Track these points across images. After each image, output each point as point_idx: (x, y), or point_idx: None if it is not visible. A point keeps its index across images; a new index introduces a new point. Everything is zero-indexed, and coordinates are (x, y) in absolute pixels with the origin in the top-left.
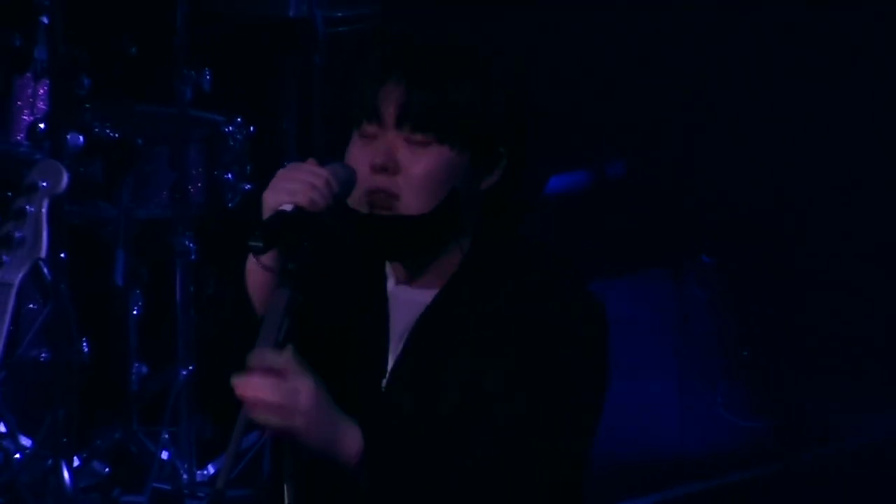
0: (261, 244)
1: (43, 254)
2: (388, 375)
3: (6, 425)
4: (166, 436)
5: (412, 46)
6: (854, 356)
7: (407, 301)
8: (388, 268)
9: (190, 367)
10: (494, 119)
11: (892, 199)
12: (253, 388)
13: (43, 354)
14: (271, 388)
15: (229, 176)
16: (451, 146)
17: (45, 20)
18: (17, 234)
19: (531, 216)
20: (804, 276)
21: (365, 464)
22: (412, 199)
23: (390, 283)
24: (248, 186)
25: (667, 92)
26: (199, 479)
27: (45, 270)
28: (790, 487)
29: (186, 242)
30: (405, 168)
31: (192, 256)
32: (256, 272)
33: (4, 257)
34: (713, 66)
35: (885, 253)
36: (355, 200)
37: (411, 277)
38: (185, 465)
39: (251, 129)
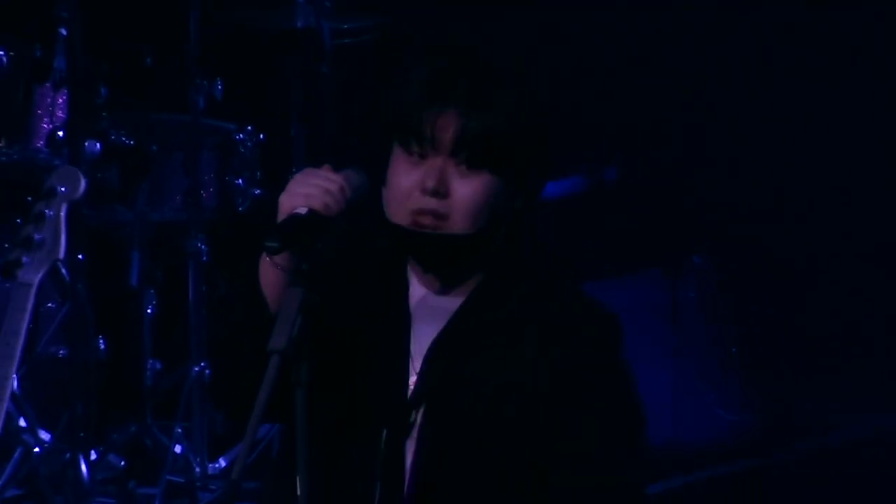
0: (276, 244)
1: (61, 255)
2: (419, 376)
3: (26, 420)
4: (179, 430)
5: (464, 69)
6: (841, 355)
7: (432, 307)
8: (412, 275)
9: (202, 364)
10: (536, 157)
11: (885, 199)
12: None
13: (61, 351)
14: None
15: (240, 181)
16: (499, 175)
17: (64, 32)
18: (36, 237)
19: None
20: (794, 277)
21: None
22: (460, 220)
23: (415, 291)
24: (257, 191)
25: (661, 97)
26: (210, 471)
27: (64, 271)
28: (776, 480)
29: (199, 245)
30: (454, 192)
31: (205, 258)
32: (270, 272)
33: (24, 258)
34: (707, 71)
35: (875, 253)
36: (399, 216)
37: (440, 287)
38: (198, 459)
39: (261, 136)
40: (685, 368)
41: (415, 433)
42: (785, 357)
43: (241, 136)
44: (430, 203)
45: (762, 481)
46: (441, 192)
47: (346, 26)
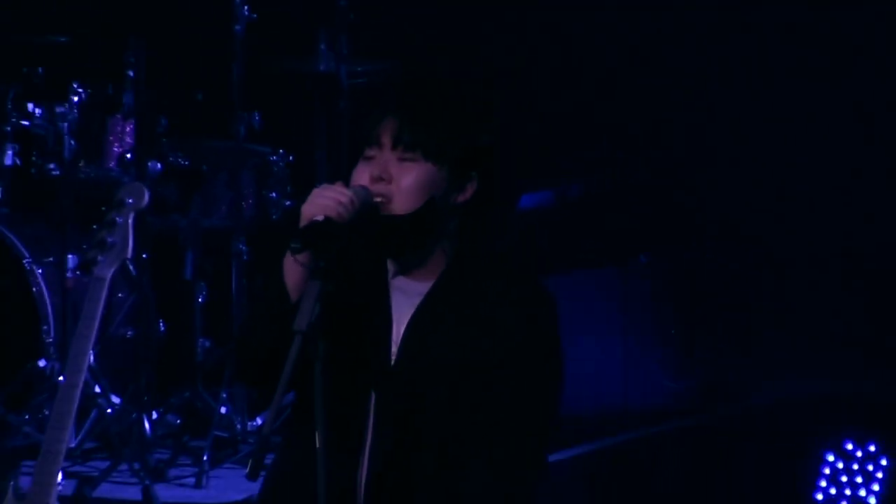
0: (299, 245)
1: (129, 254)
2: (399, 344)
3: (101, 387)
4: (224, 395)
5: (405, 92)
6: (763, 332)
7: (405, 289)
8: (389, 264)
9: None
10: (466, 146)
11: (799, 180)
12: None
13: (129, 332)
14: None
15: (274, 195)
16: (433, 162)
17: (132, 73)
18: (109, 239)
19: (509, 225)
20: (723, 270)
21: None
22: (401, 201)
23: (393, 278)
24: (288, 203)
25: (630, 115)
26: (249, 428)
27: (131, 267)
28: (709, 436)
29: (241, 246)
30: (396, 178)
31: (245, 257)
32: (293, 268)
33: (99, 257)
34: (691, 82)
35: (791, 251)
36: None
37: (406, 270)
38: (239, 418)
39: (291, 158)
40: (633, 346)
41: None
42: (715, 335)
43: (275, 157)
44: (378, 187)
45: (698, 438)
46: (384, 177)
47: (359, 69)
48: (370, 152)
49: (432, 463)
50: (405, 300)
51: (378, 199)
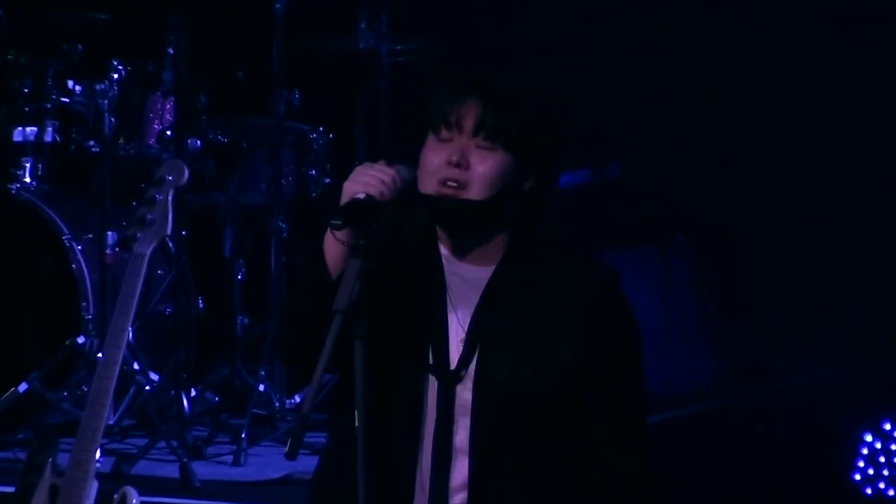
0: (340, 222)
1: (168, 231)
2: (467, 335)
3: (139, 364)
4: (263, 373)
5: (486, 76)
6: (801, 314)
7: (463, 274)
8: (442, 248)
9: None
10: (541, 136)
11: (842, 174)
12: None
13: (168, 309)
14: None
15: (313, 172)
16: (511, 153)
17: (172, 51)
18: (148, 216)
19: (550, 207)
20: (761, 251)
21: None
22: (477, 189)
23: (448, 263)
24: (327, 180)
25: (655, 98)
26: (287, 406)
27: (170, 244)
28: (747, 417)
29: (280, 224)
30: (474, 166)
31: (284, 234)
32: (333, 246)
33: (139, 234)
34: (706, 80)
35: (828, 232)
36: (429, 187)
37: (463, 255)
38: (278, 396)
39: (330, 136)
40: (671, 326)
41: (468, 383)
42: (754, 315)
43: (315, 135)
44: (453, 173)
45: (735, 418)
46: (462, 164)
47: (399, 47)
48: (445, 134)
49: (511, 461)
50: (463, 285)
51: (452, 186)
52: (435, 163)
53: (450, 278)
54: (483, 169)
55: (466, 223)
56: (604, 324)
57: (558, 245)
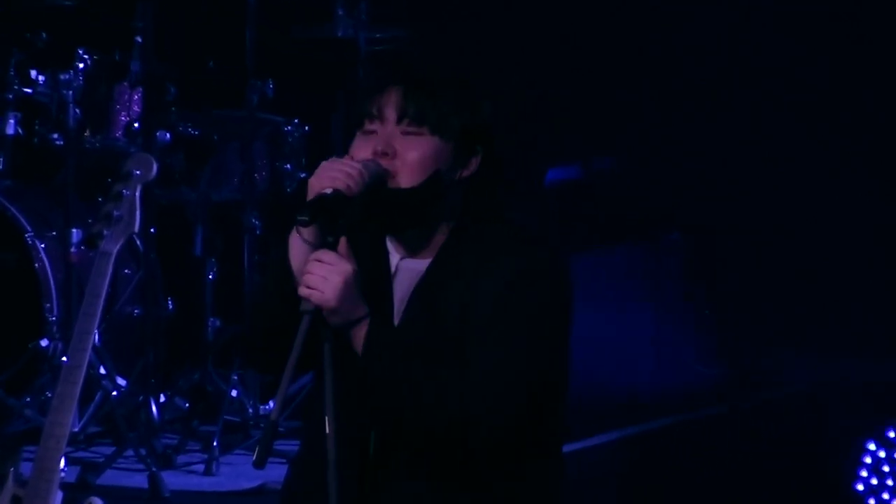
0: (307, 218)
1: (136, 229)
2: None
3: (105, 368)
4: (235, 377)
5: (407, 66)
6: (801, 315)
7: (408, 270)
8: (389, 243)
9: None
10: (471, 122)
11: (840, 173)
12: (308, 267)
13: (135, 310)
14: (316, 266)
15: (288, 166)
16: (440, 136)
17: (140, 40)
18: (115, 213)
19: (534, 203)
20: (762, 249)
21: (365, 344)
22: (406, 175)
23: (394, 258)
24: (303, 175)
25: (651, 95)
26: (261, 412)
27: (138, 242)
28: (744, 424)
29: (253, 220)
30: (401, 153)
31: (258, 231)
32: (298, 246)
33: (105, 231)
34: (706, 80)
35: (826, 224)
36: None
37: (409, 250)
38: (251, 402)
39: (306, 128)
40: (665, 328)
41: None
42: (751, 317)
43: (289, 127)
44: (381, 163)
45: (731, 425)
46: (389, 152)
47: (378, 35)
48: (370, 126)
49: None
50: (407, 281)
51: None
52: (363, 157)
53: (399, 275)
54: (411, 155)
55: (401, 214)
56: (499, 309)
57: (508, 237)
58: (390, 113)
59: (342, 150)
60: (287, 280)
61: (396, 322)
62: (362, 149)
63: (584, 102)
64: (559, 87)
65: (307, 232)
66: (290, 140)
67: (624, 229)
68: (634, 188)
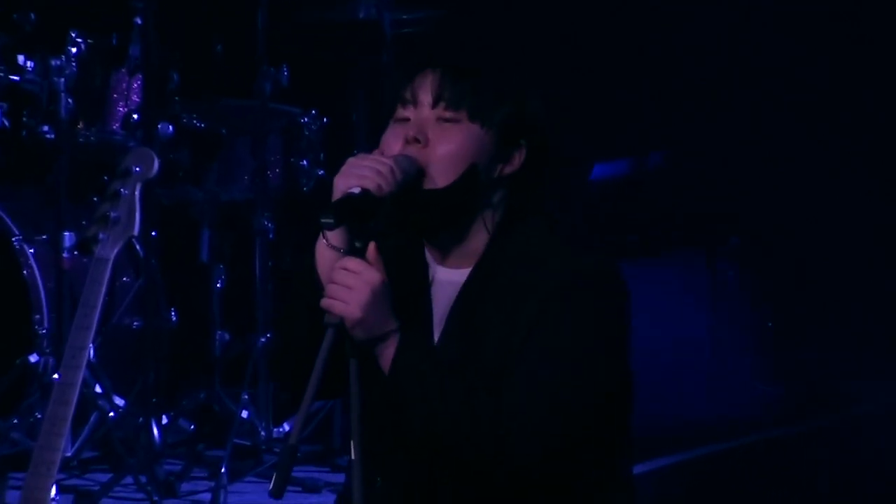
0: (332, 221)
1: (136, 232)
2: (437, 345)
3: (101, 387)
4: (246, 396)
5: (444, 47)
6: (870, 331)
7: (444, 281)
8: (430, 254)
9: (268, 335)
10: (515, 112)
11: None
12: (332, 276)
13: (135, 323)
14: (341, 274)
15: (304, 163)
16: (480, 124)
17: (139, 21)
18: (112, 214)
19: (579, 201)
20: (827, 258)
21: (393, 363)
22: (439, 169)
23: (433, 269)
24: (321, 172)
25: (705, 89)
26: (275, 435)
27: (138, 247)
28: (806, 449)
29: (265, 222)
30: (434, 144)
31: (271, 235)
32: (325, 252)
33: (101, 235)
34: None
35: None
36: None
37: (444, 258)
38: (263, 423)
39: (324, 120)
40: (721, 343)
41: None
42: (817, 332)
43: (306, 119)
44: (410, 151)
45: (792, 451)
46: (420, 139)
47: (405, 17)
48: (404, 113)
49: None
50: (443, 295)
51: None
52: (393, 147)
53: (435, 288)
54: (444, 147)
55: (436, 215)
56: (552, 316)
57: (556, 242)
58: (425, 96)
59: (364, 145)
60: (314, 290)
61: (436, 339)
62: (393, 138)
63: (636, 90)
64: (607, 74)
65: (334, 237)
66: (307, 133)
67: (675, 233)
68: (689, 187)
